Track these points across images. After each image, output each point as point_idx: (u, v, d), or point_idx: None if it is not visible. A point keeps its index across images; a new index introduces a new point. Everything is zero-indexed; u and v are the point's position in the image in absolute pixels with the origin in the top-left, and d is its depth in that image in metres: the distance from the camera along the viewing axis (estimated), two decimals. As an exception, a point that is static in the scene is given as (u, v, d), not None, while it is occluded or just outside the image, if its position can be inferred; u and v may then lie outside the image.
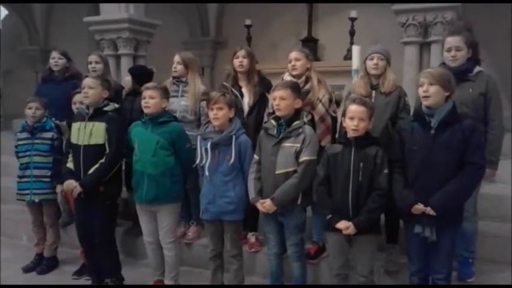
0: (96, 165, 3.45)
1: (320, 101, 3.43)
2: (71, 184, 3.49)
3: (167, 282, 3.57)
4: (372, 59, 3.36)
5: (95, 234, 3.57)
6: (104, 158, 3.47)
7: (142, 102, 3.38)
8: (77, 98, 3.91)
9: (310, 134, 3.08)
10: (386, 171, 2.85)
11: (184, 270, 3.99)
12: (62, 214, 4.54)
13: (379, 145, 2.92)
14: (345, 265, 3.05)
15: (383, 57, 3.35)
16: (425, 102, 2.72)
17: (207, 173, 3.21)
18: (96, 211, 3.54)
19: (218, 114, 3.14)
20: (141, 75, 4.28)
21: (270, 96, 3.36)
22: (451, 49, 3.24)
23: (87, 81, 3.52)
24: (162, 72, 4.38)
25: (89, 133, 3.46)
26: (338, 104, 3.70)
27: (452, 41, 3.25)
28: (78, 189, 3.46)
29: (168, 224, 3.44)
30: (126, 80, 4.29)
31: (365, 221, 2.82)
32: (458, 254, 3.30)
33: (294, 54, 3.50)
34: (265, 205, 3.06)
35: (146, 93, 3.37)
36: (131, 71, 4.37)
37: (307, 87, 3.43)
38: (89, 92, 3.47)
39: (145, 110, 3.37)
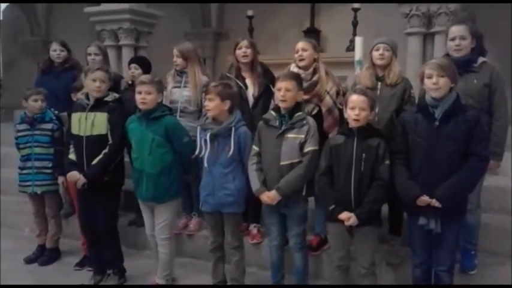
0: (100, 156, 3.44)
1: (328, 93, 3.40)
2: (75, 175, 3.48)
3: (158, 281, 3.52)
4: (377, 50, 3.33)
5: (98, 224, 3.57)
6: (107, 148, 3.45)
7: (138, 97, 3.24)
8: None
9: (313, 124, 3.07)
10: (388, 162, 2.83)
11: (185, 261, 4.02)
12: (63, 205, 4.54)
13: (381, 136, 2.91)
14: (346, 256, 3.04)
15: (389, 48, 3.32)
16: (434, 94, 2.68)
17: (206, 165, 3.19)
18: (100, 201, 3.54)
19: (209, 105, 3.12)
20: (147, 66, 4.27)
21: (275, 89, 3.33)
22: (455, 38, 3.20)
23: (100, 75, 3.43)
24: (163, 64, 4.35)
25: (90, 124, 3.44)
26: (344, 95, 3.68)
27: (456, 30, 3.22)
28: (82, 180, 3.45)
29: (165, 220, 3.41)
30: (136, 74, 4.23)
31: (367, 212, 2.82)
32: (460, 246, 3.28)
33: (301, 45, 3.46)
34: (270, 195, 3.04)
35: (142, 88, 3.24)
36: (139, 62, 4.32)
37: (314, 78, 3.40)
38: (101, 85, 3.44)
39: (142, 106, 3.27)
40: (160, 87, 3.37)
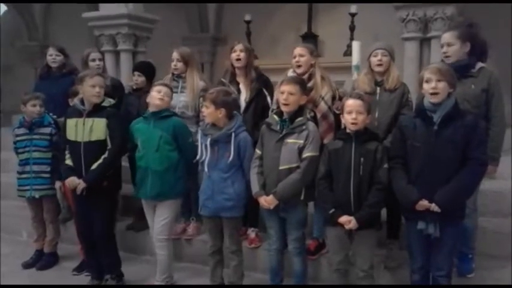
0: (99, 161, 3.45)
1: (322, 98, 3.41)
2: (74, 181, 3.48)
3: (157, 284, 3.52)
4: (375, 56, 3.36)
5: (96, 229, 3.57)
6: (107, 153, 3.47)
7: (157, 94, 3.35)
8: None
9: (314, 130, 3.08)
10: (386, 165, 2.85)
11: (184, 266, 4.02)
12: (61, 210, 4.54)
13: (378, 140, 2.93)
14: (345, 260, 3.05)
15: (386, 53, 3.35)
16: (433, 100, 2.69)
17: (206, 169, 3.20)
18: (98, 206, 3.54)
19: (205, 112, 3.18)
20: (151, 73, 4.29)
21: (276, 92, 3.34)
22: (443, 45, 3.23)
23: (99, 81, 3.47)
24: (162, 69, 4.36)
25: (89, 130, 3.44)
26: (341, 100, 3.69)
27: (443, 37, 3.25)
28: (82, 185, 3.45)
29: (166, 218, 3.43)
30: (140, 81, 4.25)
31: (366, 215, 2.83)
32: (458, 249, 3.29)
33: (298, 50, 3.47)
34: (267, 199, 3.06)
35: (162, 88, 3.39)
36: (142, 70, 4.32)
37: (310, 84, 3.41)
38: (101, 91, 3.47)
39: (158, 102, 3.35)
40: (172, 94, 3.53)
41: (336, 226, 2.91)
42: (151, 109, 3.41)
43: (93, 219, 3.57)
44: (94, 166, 3.45)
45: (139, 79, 4.25)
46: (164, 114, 3.38)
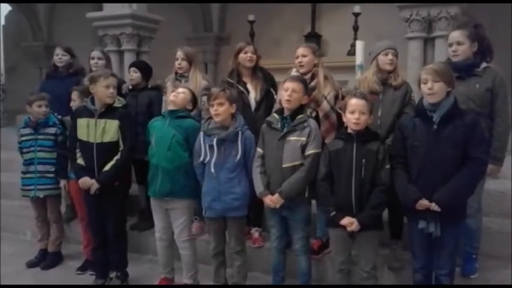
0: (112, 162, 3.46)
1: (325, 98, 3.42)
2: (87, 181, 3.48)
3: (186, 281, 3.55)
4: (386, 55, 3.35)
5: (109, 228, 3.59)
6: (120, 154, 3.48)
7: (173, 92, 3.41)
8: (76, 94, 3.95)
9: (315, 127, 3.09)
10: (388, 166, 2.85)
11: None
12: (65, 209, 4.55)
13: (380, 140, 2.93)
14: (348, 261, 3.05)
15: (396, 53, 3.36)
16: (430, 100, 2.70)
17: (212, 170, 3.18)
18: (110, 205, 3.56)
19: (219, 110, 3.14)
20: (148, 70, 4.30)
21: (279, 90, 3.34)
22: (452, 44, 3.23)
23: (113, 81, 3.49)
24: (165, 69, 4.37)
25: (101, 131, 3.45)
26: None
27: (452, 35, 3.25)
28: (96, 185, 3.46)
29: (184, 221, 3.43)
30: (135, 76, 4.27)
31: (369, 217, 2.83)
32: (462, 250, 3.29)
33: (300, 51, 3.48)
34: (273, 199, 3.06)
35: (180, 89, 3.48)
36: (139, 67, 4.34)
37: (312, 83, 3.42)
38: (114, 92, 3.49)
39: (171, 98, 3.38)
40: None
41: (338, 227, 2.90)
42: (169, 107, 3.43)
43: (105, 218, 3.58)
44: (107, 167, 3.45)
45: (134, 75, 4.26)
46: (180, 114, 3.38)
